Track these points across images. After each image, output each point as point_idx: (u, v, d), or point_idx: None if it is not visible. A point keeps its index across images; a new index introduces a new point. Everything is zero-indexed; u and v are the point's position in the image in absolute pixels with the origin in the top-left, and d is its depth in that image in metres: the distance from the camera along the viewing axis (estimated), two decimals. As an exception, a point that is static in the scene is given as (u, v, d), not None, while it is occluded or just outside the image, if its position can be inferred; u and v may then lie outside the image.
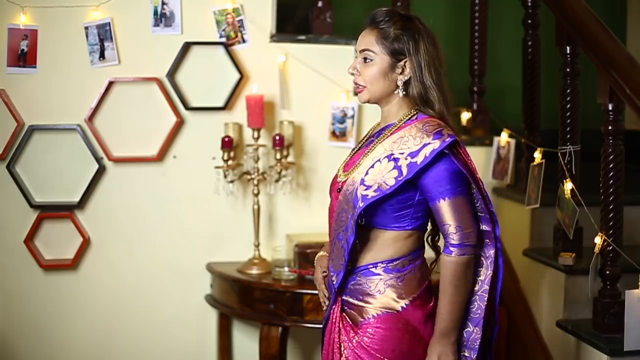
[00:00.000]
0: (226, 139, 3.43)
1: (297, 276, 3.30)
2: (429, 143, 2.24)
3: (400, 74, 2.33)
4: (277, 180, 3.47)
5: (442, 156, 2.25)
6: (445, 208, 2.26)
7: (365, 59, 2.33)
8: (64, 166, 3.49)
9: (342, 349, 2.34)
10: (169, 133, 3.51)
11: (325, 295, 2.45)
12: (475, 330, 2.36)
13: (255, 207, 3.46)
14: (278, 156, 3.45)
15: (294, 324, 3.25)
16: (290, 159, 3.53)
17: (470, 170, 2.31)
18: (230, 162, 3.43)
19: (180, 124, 3.53)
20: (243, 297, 3.34)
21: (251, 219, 3.49)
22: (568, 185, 3.07)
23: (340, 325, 2.36)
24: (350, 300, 2.35)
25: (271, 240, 3.60)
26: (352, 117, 3.58)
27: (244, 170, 3.49)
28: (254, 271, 3.40)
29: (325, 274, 2.43)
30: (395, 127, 2.33)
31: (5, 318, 3.50)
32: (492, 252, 2.36)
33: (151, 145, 3.52)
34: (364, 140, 2.46)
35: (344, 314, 2.36)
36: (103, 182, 3.51)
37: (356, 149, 2.45)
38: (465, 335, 2.37)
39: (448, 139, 2.24)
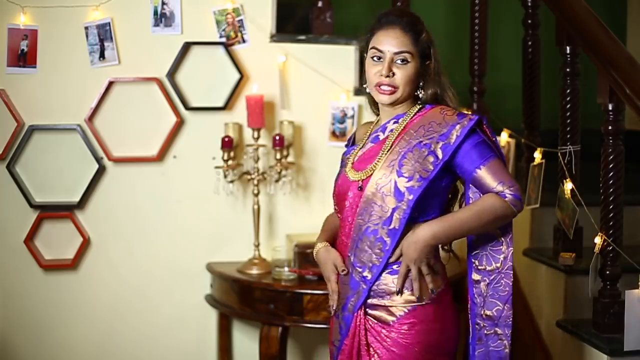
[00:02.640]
0: (226, 139, 3.43)
1: (297, 276, 3.30)
2: (457, 123, 2.33)
3: (421, 75, 2.39)
4: (277, 180, 3.47)
5: (470, 133, 2.33)
6: (486, 173, 2.32)
7: (402, 60, 2.36)
8: (64, 166, 3.49)
9: (371, 350, 2.35)
10: (169, 133, 3.51)
11: (334, 301, 2.41)
12: (505, 307, 2.42)
13: (255, 207, 3.46)
14: (278, 156, 3.45)
15: (294, 324, 3.25)
16: (290, 159, 3.53)
17: (496, 146, 2.38)
18: (230, 162, 3.43)
19: (180, 124, 3.53)
20: (243, 297, 3.34)
21: (251, 219, 3.49)
22: (568, 185, 3.07)
23: (367, 326, 2.36)
24: (374, 301, 2.36)
25: (271, 240, 3.60)
26: (352, 117, 3.58)
27: (244, 170, 3.49)
28: (254, 271, 3.40)
29: (345, 271, 2.38)
30: (409, 119, 2.39)
31: (5, 318, 3.50)
32: (510, 228, 2.42)
33: (151, 145, 3.52)
34: (365, 139, 2.47)
35: (368, 315, 2.37)
36: (103, 182, 3.51)
37: (360, 148, 2.45)
38: (495, 313, 2.42)
39: (474, 117, 2.34)
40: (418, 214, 2.33)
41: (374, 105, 2.53)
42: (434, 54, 2.40)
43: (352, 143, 2.56)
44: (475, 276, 2.46)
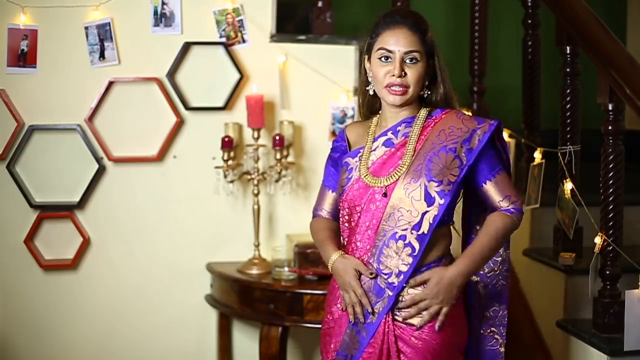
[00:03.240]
0: (226, 139, 3.43)
1: (297, 276, 3.30)
2: (478, 127, 2.36)
3: (427, 74, 2.40)
4: (277, 180, 3.47)
5: (490, 139, 2.37)
6: (501, 180, 2.39)
7: (412, 59, 2.36)
8: (64, 166, 3.49)
9: (402, 356, 2.33)
10: (169, 133, 3.51)
11: (367, 304, 2.34)
12: (501, 308, 2.49)
13: (255, 207, 3.46)
14: (278, 156, 3.45)
15: (294, 324, 3.25)
16: (290, 159, 3.53)
17: (506, 152, 2.44)
18: (230, 162, 3.43)
19: (180, 124, 3.53)
20: (243, 297, 3.34)
21: (251, 219, 3.49)
22: (568, 185, 3.07)
23: (397, 332, 2.34)
24: (402, 305, 2.34)
25: (271, 240, 3.60)
26: (352, 117, 3.58)
27: (244, 170, 3.49)
28: (254, 271, 3.40)
29: (373, 275, 2.33)
30: (420, 122, 2.39)
31: (5, 318, 3.50)
32: None
33: (151, 145, 3.52)
34: (369, 142, 2.44)
35: (396, 321, 2.34)
36: (103, 182, 3.51)
37: (369, 151, 2.42)
38: (492, 314, 2.49)
39: (494, 122, 2.37)
40: (447, 217, 2.35)
41: (368, 107, 2.51)
42: (438, 53, 2.41)
43: (347, 143, 2.51)
44: (474, 278, 2.48)
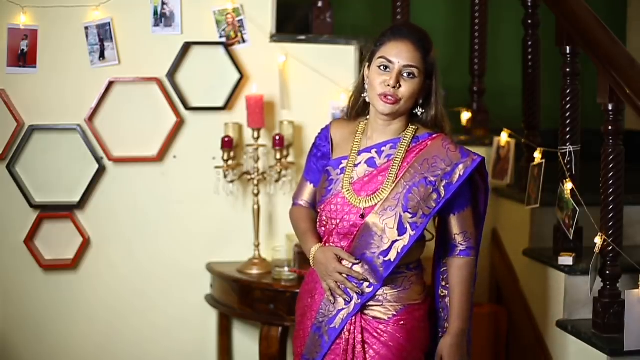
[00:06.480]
0: (226, 139, 3.43)
1: (297, 276, 3.30)
2: (460, 162, 2.37)
3: (422, 93, 2.41)
4: (277, 180, 3.47)
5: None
6: (465, 216, 2.43)
7: (409, 74, 2.37)
8: (64, 166, 3.49)
9: (367, 347, 2.37)
10: (169, 133, 3.51)
11: (350, 288, 2.40)
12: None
13: (255, 207, 3.46)
14: (278, 156, 3.45)
15: (294, 324, 3.24)
16: (290, 159, 3.53)
17: (486, 186, 2.48)
18: (230, 162, 3.43)
19: (180, 124, 3.53)
20: (243, 297, 3.34)
21: (251, 219, 3.49)
22: (568, 185, 3.07)
23: (363, 325, 2.39)
24: (370, 303, 2.40)
25: (271, 240, 3.60)
26: (352, 117, 3.57)
27: (244, 170, 3.49)
28: (254, 271, 3.40)
29: (358, 261, 2.38)
30: (406, 145, 2.41)
31: (5, 318, 3.50)
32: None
33: (151, 145, 3.52)
34: (352, 153, 2.45)
35: (364, 316, 2.40)
36: (103, 182, 3.51)
37: (353, 164, 2.44)
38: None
39: (477, 158, 2.38)
40: (415, 245, 2.38)
41: (358, 112, 2.52)
42: (437, 75, 2.42)
43: (330, 145, 2.53)
44: (442, 292, 2.53)
